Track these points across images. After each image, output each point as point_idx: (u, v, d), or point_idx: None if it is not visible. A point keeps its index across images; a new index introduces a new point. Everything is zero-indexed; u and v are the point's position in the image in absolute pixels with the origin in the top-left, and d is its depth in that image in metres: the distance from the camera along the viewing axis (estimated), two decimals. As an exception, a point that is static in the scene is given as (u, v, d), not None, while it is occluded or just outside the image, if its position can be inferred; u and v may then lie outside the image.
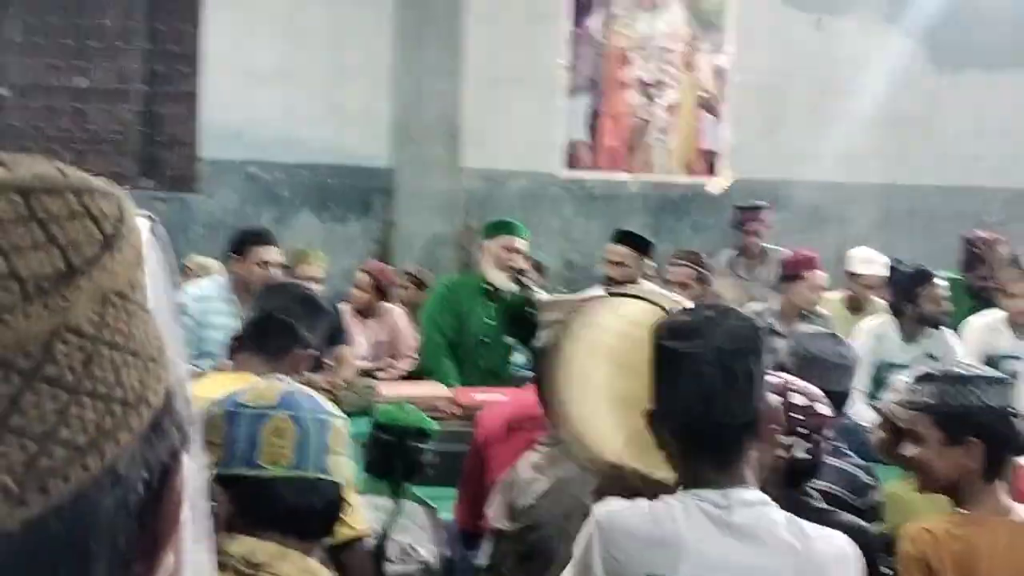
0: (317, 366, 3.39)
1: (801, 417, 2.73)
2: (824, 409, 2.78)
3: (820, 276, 6.13)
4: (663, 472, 2.03)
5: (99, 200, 0.62)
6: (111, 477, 0.59)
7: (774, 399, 2.57)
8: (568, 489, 2.75)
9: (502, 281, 5.62)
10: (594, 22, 8.60)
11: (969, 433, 2.59)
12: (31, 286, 0.57)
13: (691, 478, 1.96)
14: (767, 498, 1.96)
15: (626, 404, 2.11)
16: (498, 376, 5.61)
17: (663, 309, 2.17)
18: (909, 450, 2.69)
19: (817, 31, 8.81)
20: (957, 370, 2.73)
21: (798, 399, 2.76)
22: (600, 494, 2.10)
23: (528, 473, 2.88)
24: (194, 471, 0.68)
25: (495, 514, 2.95)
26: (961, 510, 2.60)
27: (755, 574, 1.88)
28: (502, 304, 5.70)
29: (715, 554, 1.88)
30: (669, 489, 2.00)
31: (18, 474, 0.56)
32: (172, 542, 0.65)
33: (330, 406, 2.04)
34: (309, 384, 2.23)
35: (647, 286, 2.40)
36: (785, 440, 2.71)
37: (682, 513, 1.90)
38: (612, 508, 1.98)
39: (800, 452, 2.74)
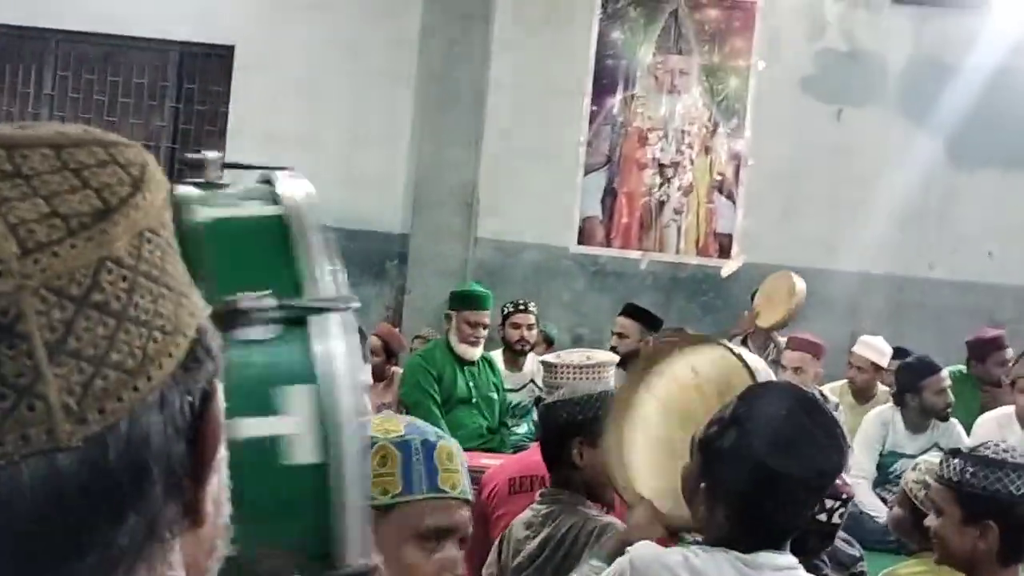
0: None
1: (841, 483, 2.79)
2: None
3: (800, 357, 6.15)
4: (681, 518, 2.21)
5: (124, 150, 0.67)
6: (159, 400, 0.63)
7: None
8: (558, 549, 2.78)
9: (468, 353, 5.70)
10: (614, 101, 8.70)
11: (987, 516, 2.61)
12: (74, 222, 0.62)
13: (725, 540, 1.98)
14: (796, 562, 2.00)
15: (672, 451, 2.31)
16: (490, 433, 5.68)
17: (742, 362, 2.32)
18: (931, 520, 2.74)
19: (836, 122, 8.88)
20: (987, 452, 2.75)
21: None
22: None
23: (521, 532, 2.90)
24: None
25: (491, 572, 2.97)
26: None
27: None
28: (477, 368, 5.74)
29: None
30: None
31: (77, 394, 0.60)
32: (215, 465, 0.68)
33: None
34: None
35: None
36: (830, 504, 2.78)
37: (713, 566, 1.94)
38: (647, 551, 2.03)
39: (836, 518, 2.83)
